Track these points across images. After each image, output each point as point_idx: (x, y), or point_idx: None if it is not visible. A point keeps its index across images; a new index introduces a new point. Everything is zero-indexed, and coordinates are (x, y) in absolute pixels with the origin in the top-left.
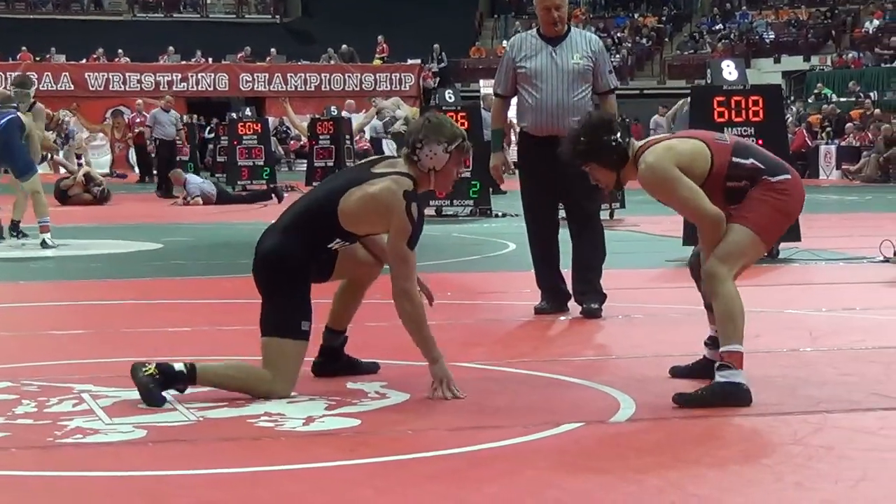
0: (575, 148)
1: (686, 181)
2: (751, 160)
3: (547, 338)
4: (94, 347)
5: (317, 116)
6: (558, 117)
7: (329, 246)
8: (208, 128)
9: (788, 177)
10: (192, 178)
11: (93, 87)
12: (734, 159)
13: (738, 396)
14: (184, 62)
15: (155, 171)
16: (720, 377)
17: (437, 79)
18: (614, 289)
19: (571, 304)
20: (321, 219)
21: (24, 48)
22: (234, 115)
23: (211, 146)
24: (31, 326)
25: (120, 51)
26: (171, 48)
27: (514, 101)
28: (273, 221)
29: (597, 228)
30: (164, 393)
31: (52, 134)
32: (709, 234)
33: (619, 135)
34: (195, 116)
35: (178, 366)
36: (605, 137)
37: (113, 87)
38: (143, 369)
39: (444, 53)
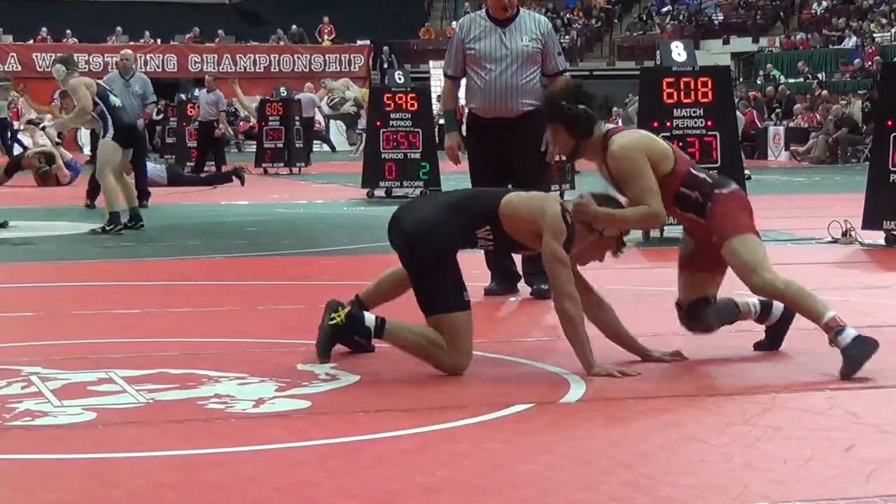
0: (550, 103)
1: (650, 172)
2: (703, 175)
3: (497, 319)
4: (42, 330)
5: (266, 98)
6: (506, 99)
7: (477, 231)
8: (156, 109)
9: (735, 186)
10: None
11: (40, 67)
12: (692, 170)
13: (868, 344)
14: (132, 43)
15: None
16: (845, 339)
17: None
18: None
19: (521, 285)
20: (480, 206)
21: None
22: (182, 96)
23: (159, 127)
24: None
25: (68, 31)
26: (118, 28)
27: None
28: (409, 205)
29: None
30: (115, 375)
31: None
32: (640, 225)
33: (592, 108)
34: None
35: (369, 318)
36: (581, 105)
37: None
38: (331, 317)
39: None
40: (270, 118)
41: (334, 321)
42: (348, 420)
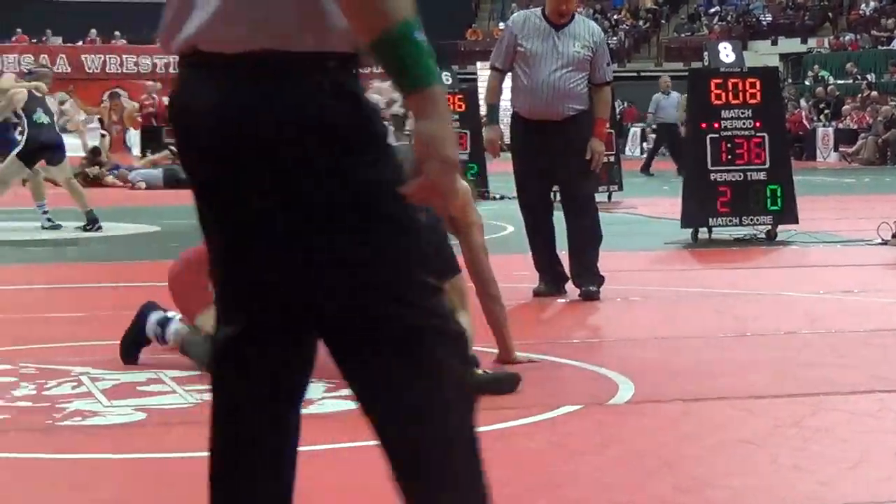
0: None
1: None
2: None
3: (545, 320)
4: (92, 330)
5: None
6: (553, 102)
7: None
8: None
9: None
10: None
11: (89, 69)
12: None
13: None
14: None
15: None
16: None
17: None
18: (612, 271)
19: (570, 286)
20: None
21: (19, 30)
22: None
23: None
24: (29, 309)
25: (117, 33)
26: None
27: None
28: None
29: (591, 210)
30: (164, 375)
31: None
32: None
33: None
34: None
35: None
36: None
37: (110, 69)
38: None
39: None
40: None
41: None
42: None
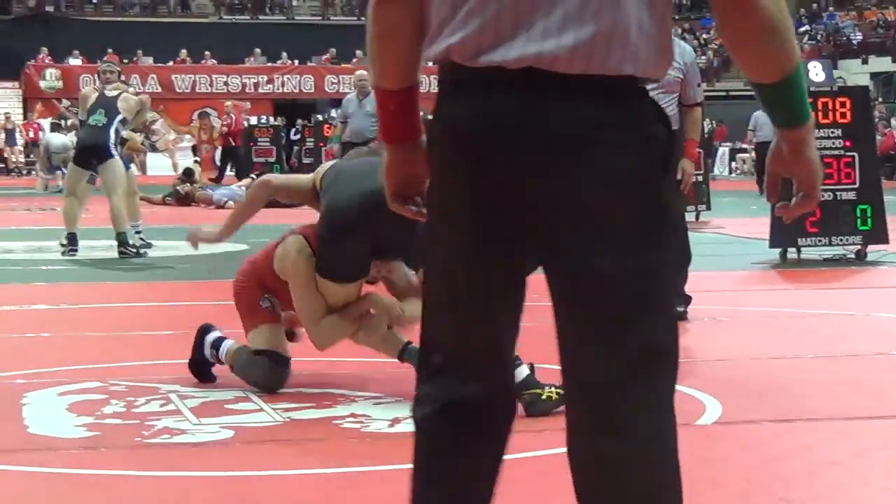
0: None
1: None
2: None
3: None
4: (181, 348)
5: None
6: None
7: None
8: (294, 129)
9: None
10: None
11: (179, 89)
12: None
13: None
14: (269, 64)
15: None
16: None
17: None
18: (700, 291)
19: None
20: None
21: (110, 50)
22: (319, 116)
23: (296, 148)
24: (119, 327)
25: (207, 53)
26: (257, 50)
27: None
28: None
29: (681, 230)
30: (252, 393)
31: (140, 136)
32: None
33: None
34: (280, 118)
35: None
36: None
37: (199, 88)
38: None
39: None
40: None
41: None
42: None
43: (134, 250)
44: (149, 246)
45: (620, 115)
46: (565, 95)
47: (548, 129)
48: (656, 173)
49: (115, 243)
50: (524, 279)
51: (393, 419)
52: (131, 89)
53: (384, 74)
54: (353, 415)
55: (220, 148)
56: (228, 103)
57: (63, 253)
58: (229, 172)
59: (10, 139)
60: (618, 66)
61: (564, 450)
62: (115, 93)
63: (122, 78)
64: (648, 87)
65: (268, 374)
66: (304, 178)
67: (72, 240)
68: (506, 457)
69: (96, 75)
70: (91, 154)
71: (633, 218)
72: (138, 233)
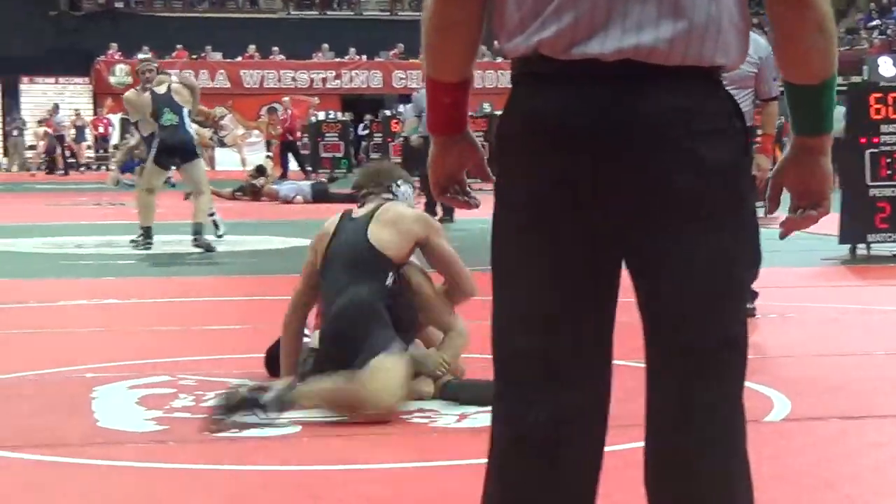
0: None
1: None
2: None
3: None
4: (249, 343)
5: (471, 114)
6: None
7: (387, 284)
8: (361, 125)
9: None
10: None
11: (248, 84)
12: None
13: None
14: (337, 59)
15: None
16: None
17: None
18: (769, 287)
19: None
20: (370, 261)
21: (179, 46)
22: (387, 112)
23: (364, 143)
24: (189, 321)
25: (275, 48)
26: (325, 45)
27: None
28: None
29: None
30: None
31: (209, 131)
32: None
33: None
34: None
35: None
36: None
37: (267, 84)
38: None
39: None
40: (475, 133)
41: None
42: None
43: (206, 244)
44: (219, 237)
45: (709, 105)
46: (660, 87)
47: (643, 120)
48: (740, 165)
49: (184, 238)
50: (617, 277)
51: (461, 414)
52: (173, 77)
53: (443, 67)
54: (421, 409)
55: (281, 143)
56: (285, 98)
57: (136, 246)
58: (293, 168)
59: (80, 135)
60: (711, 56)
61: (636, 445)
62: (163, 88)
63: (161, 70)
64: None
65: None
66: (306, 268)
67: (147, 234)
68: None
69: (137, 75)
70: (175, 154)
71: (720, 209)
72: (215, 224)
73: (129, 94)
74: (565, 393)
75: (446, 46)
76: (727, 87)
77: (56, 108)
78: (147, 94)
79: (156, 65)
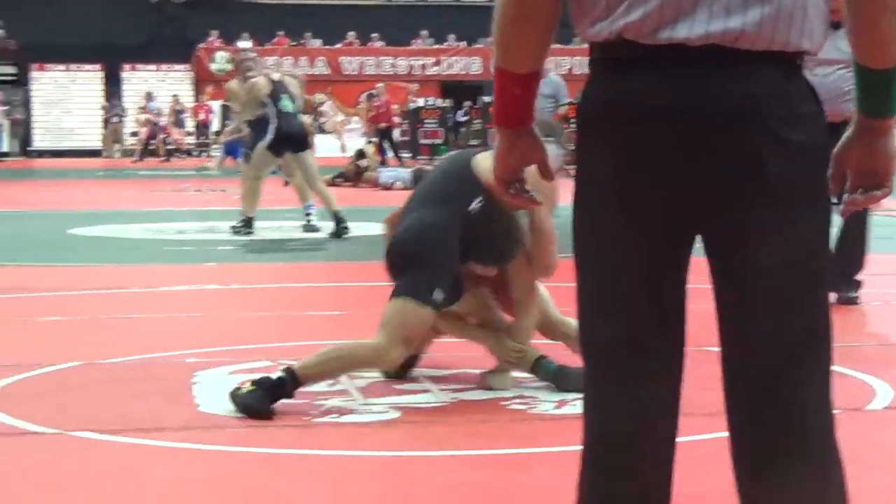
0: None
1: None
2: None
3: None
4: (350, 328)
5: (570, 101)
6: (836, 102)
7: (469, 209)
8: (461, 111)
9: None
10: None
11: (347, 71)
12: None
13: None
14: (437, 46)
15: None
16: None
17: None
18: (873, 274)
19: None
20: (459, 182)
21: (280, 33)
22: (486, 98)
23: (463, 129)
24: (289, 307)
25: (374, 35)
26: (424, 32)
27: None
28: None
29: (862, 211)
30: (420, 374)
31: (309, 118)
32: None
33: None
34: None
35: (276, 375)
36: None
37: (367, 70)
38: (239, 390)
39: None
40: (570, 120)
41: (244, 390)
42: None
43: (344, 227)
44: (315, 230)
45: (793, 90)
46: (746, 72)
47: (731, 104)
48: (824, 149)
49: (284, 224)
50: (688, 262)
51: (560, 401)
52: (276, 73)
53: (516, 58)
54: (520, 396)
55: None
56: (379, 85)
57: (237, 233)
58: (390, 155)
59: (179, 121)
60: (798, 41)
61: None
62: (277, 75)
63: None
64: (838, 69)
65: None
66: None
67: (248, 222)
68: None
69: (236, 66)
70: (290, 142)
71: (807, 195)
72: (308, 214)
73: (233, 83)
74: (650, 377)
75: (523, 36)
76: (847, 71)
77: (150, 95)
78: (261, 78)
79: (254, 54)
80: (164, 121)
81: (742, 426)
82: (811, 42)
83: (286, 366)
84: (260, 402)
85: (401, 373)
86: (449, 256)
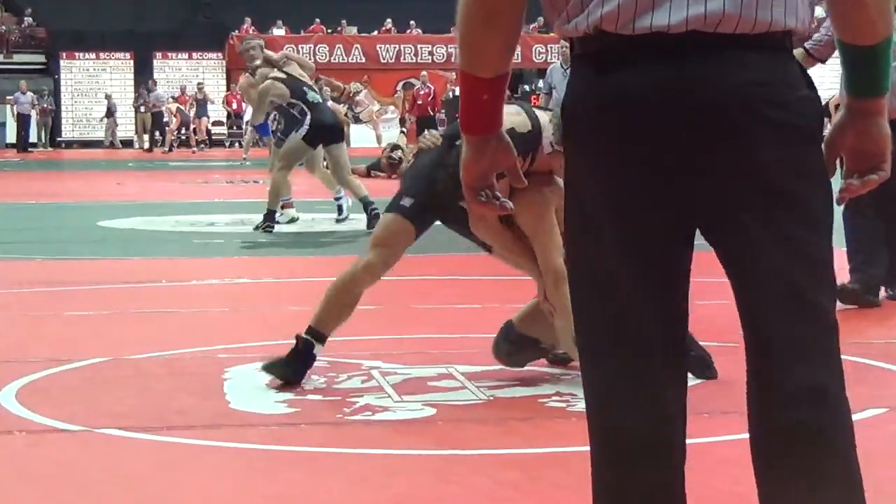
0: None
1: None
2: None
3: (854, 321)
4: (383, 324)
5: None
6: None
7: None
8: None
9: None
10: None
11: (384, 59)
12: None
13: None
14: None
15: None
16: None
17: None
18: None
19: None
20: None
21: (317, 20)
22: (526, 87)
23: None
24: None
25: (412, 22)
26: None
27: None
28: None
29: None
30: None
31: (344, 107)
32: None
33: None
34: None
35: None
36: None
37: (404, 59)
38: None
39: None
40: None
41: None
42: (691, 421)
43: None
44: (344, 220)
45: (784, 74)
46: (732, 58)
47: (718, 94)
48: (819, 134)
49: (316, 216)
50: (690, 259)
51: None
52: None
53: (483, 62)
54: (558, 393)
55: (417, 119)
56: (424, 73)
57: (261, 231)
58: None
59: (202, 110)
60: (781, 19)
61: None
62: (286, 70)
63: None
64: None
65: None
66: None
67: (271, 216)
68: (717, 439)
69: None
70: (326, 133)
71: (806, 183)
72: (338, 198)
73: (244, 82)
74: (652, 375)
75: (489, 40)
76: None
77: (154, 84)
78: (272, 83)
79: (258, 41)
80: (164, 110)
81: (758, 423)
82: (796, 19)
83: (303, 332)
84: (295, 375)
85: (520, 361)
86: (427, 176)
